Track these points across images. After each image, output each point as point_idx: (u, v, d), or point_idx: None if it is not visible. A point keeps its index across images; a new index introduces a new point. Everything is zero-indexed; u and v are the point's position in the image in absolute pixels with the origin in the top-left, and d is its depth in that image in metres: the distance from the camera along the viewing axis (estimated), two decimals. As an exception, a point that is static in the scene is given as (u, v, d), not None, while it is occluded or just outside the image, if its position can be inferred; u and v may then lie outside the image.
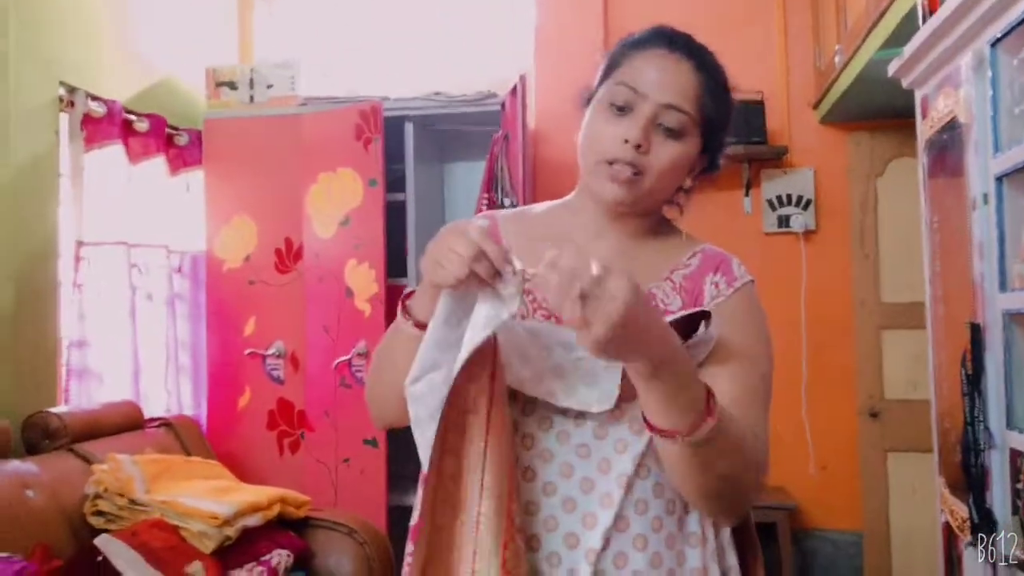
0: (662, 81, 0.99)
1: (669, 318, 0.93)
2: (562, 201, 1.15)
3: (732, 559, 1.02)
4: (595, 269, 0.75)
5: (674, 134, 1.00)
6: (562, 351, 0.94)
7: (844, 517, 3.43)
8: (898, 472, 3.36)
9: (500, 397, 0.92)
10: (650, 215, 1.09)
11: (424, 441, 0.93)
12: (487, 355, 0.91)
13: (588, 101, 1.06)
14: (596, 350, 0.76)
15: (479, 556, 0.88)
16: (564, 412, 0.96)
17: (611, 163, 0.99)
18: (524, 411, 0.98)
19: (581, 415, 0.96)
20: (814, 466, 3.45)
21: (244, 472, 3.05)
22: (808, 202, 3.51)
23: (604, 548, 0.94)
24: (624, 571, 0.94)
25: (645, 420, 0.87)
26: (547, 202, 1.17)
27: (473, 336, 0.87)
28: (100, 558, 2.04)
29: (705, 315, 0.96)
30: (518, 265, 0.85)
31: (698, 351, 0.96)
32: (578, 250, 0.77)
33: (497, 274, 0.85)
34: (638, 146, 0.98)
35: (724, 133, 1.07)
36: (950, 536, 2.05)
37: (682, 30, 1.07)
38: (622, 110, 1.00)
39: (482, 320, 0.87)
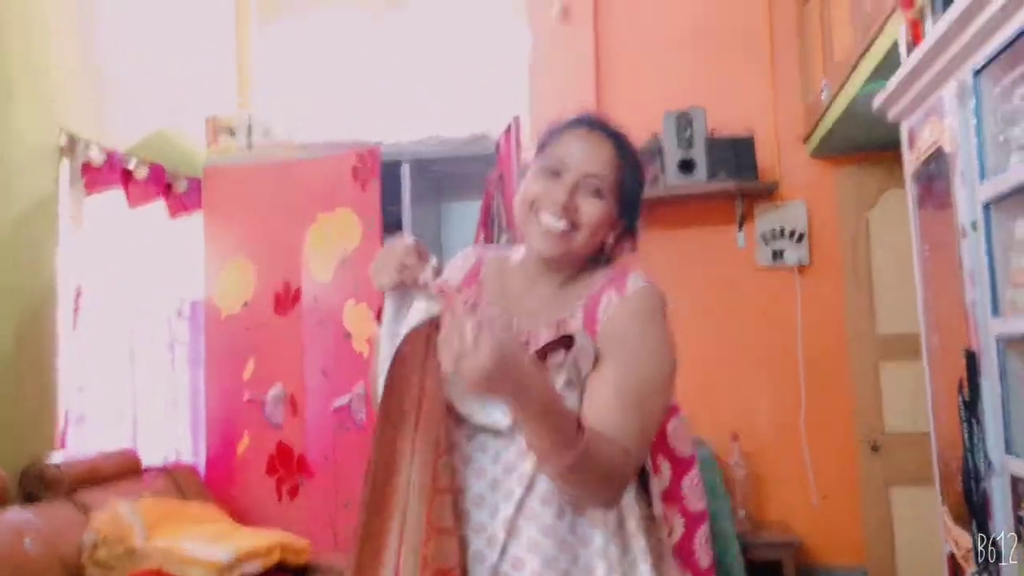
0: (585, 154, 1.18)
1: (540, 345, 1.13)
2: (518, 254, 1.31)
3: (640, 543, 1.15)
4: (469, 332, 0.95)
5: (596, 193, 1.18)
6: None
7: (848, 552, 3.39)
8: (901, 505, 3.33)
9: (430, 400, 1.08)
10: (577, 267, 1.23)
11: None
12: (418, 355, 1.08)
13: (524, 172, 1.24)
14: (471, 391, 1.01)
15: (405, 547, 1.05)
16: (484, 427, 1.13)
17: (540, 212, 1.17)
18: (456, 423, 1.14)
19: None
20: (816, 500, 3.42)
21: (243, 518, 3.02)
22: (801, 235, 3.54)
23: (508, 535, 1.09)
24: (524, 551, 1.09)
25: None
26: (514, 251, 1.34)
27: (401, 329, 1.07)
28: (98, 607, 2.02)
29: (569, 337, 1.13)
30: (429, 275, 1.07)
31: (582, 362, 1.12)
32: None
33: (418, 280, 1.07)
34: (566, 206, 1.16)
35: (638, 200, 1.24)
36: (955, 567, 2.03)
37: (601, 115, 1.27)
38: (553, 175, 1.18)
39: (413, 316, 1.07)
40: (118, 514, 2.32)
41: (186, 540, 2.30)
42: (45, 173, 2.83)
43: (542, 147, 1.23)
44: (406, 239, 1.12)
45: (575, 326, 1.16)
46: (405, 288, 1.09)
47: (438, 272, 1.09)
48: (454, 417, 1.13)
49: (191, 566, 2.18)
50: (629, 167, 1.21)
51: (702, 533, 1.29)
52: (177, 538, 2.31)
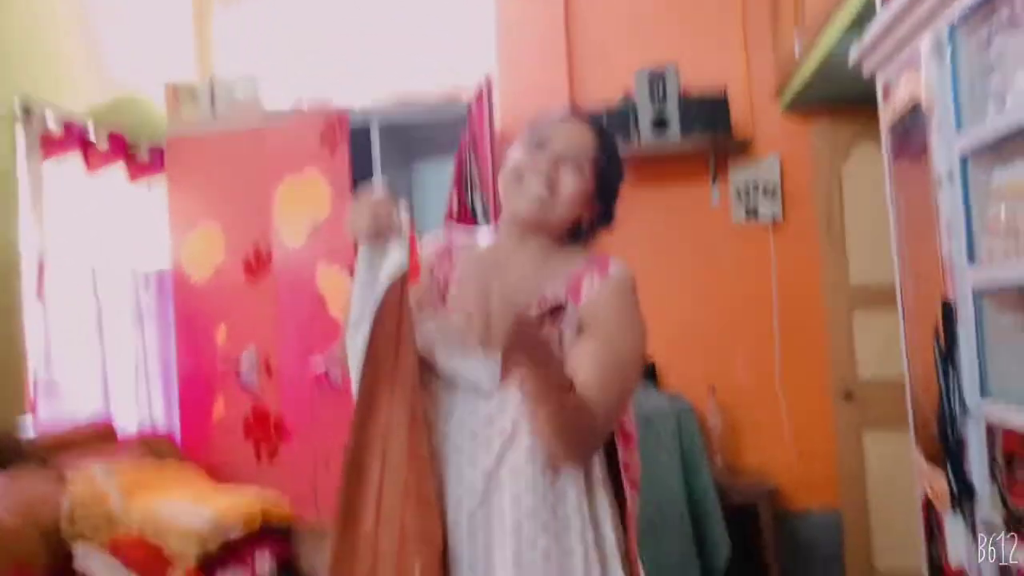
0: (569, 134, 1.29)
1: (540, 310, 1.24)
2: (492, 236, 1.41)
3: (604, 502, 1.24)
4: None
5: (577, 168, 1.28)
6: (460, 349, 1.18)
7: (822, 496, 3.48)
8: (874, 450, 3.42)
9: (406, 347, 1.14)
10: (556, 236, 1.32)
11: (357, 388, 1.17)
12: (395, 303, 1.14)
13: (509, 152, 1.33)
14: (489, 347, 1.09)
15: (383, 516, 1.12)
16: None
17: (523, 179, 1.26)
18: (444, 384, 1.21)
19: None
20: (792, 448, 3.50)
21: (222, 482, 3.00)
22: (775, 190, 3.56)
23: (489, 486, 1.17)
24: (507, 503, 1.16)
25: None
26: (487, 235, 1.45)
27: (381, 277, 1.13)
28: (79, 573, 2.00)
29: (560, 307, 1.25)
30: (404, 219, 1.14)
31: (567, 331, 1.24)
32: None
33: (393, 227, 1.14)
34: (548, 173, 1.26)
35: (616, 189, 1.34)
36: (930, 508, 2.09)
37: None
38: (537, 147, 1.28)
39: (390, 264, 1.13)
40: (94, 480, 2.29)
41: (165, 505, 2.28)
42: (2, 141, 2.73)
43: (528, 132, 1.33)
44: (378, 189, 1.19)
45: (558, 297, 1.26)
46: (380, 237, 1.14)
47: (411, 222, 1.15)
48: (434, 370, 1.20)
49: (171, 534, 2.16)
50: (610, 157, 1.31)
51: (636, 504, 1.38)
52: (156, 503, 2.28)
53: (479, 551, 1.16)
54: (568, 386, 1.15)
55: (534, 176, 1.25)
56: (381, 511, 1.12)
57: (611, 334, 1.22)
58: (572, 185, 1.26)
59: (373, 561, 1.11)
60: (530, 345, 1.09)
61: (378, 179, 3.28)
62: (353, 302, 1.17)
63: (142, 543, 2.13)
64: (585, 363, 1.19)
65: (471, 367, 1.15)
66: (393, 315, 1.14)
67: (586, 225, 1.33)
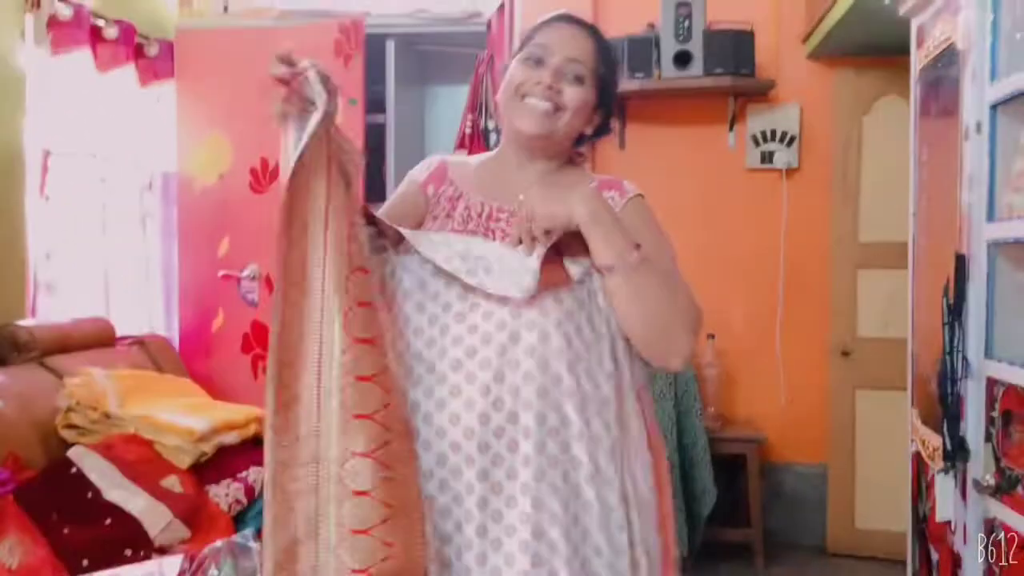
0: (566, 42, 1.25)
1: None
2: (488, 155, 1.39)
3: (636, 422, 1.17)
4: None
5: (578, 80, 1.24)
6: (490, 251, 1.13)
7: (811, 450, 3.50)
8: (865, 409, 3.43)
9: (337, 210, 1.06)
10: (559, 156, 1.31)
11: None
12: (320, 160, 1.05)
13: (507, 69, 1.28)
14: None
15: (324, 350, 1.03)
16: (488, 297, 1.12)
17: (525, 96, 1.22)
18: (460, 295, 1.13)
19: (503, 299, 1.11)
20: (784, 401, 3.51)
21: (218, 394, 3.01)
22: (792, 139, 3.48)
23: (490, 401, 1.07)
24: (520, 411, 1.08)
25: (594, 266, 1.13)
26: (479, 155, 1.42)
27: (303, 139, 1.03)
28: (74, 470, 2.02)
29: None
30: (312, 72, 1.05)
31: None
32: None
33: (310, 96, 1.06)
34: (550, 87, 1.21)
35: (614, 93, 1.32)
36: (919, 465, 2.10)
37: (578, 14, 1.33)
38: (537, 63, 1.23)
39: (311, 124, 1.04)
40: (92, 380, 2.30)
41: (161, 410, 2.30)
42: (8, 28, 2.66)
43: (523, 42, 1.29)
44: (273, 60, 1.10)
45: None
46: (298, 110, 1.07)
47: (323, 75, 1.06)
48: (429, 292, 1.13)
49: (167, 433, 2.18)
50: (607, 60, 1.28)
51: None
52: (152, 407, 2.30)
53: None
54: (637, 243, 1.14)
55: (536, 91, 1.22)
56: (321, 413, 1.02)
57: (654, 244, 1.21)
58: (575, 96, 1.24)
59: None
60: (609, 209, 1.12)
61: (390, 104, 3.21)
62: (282, 182, 1.08)
63: (137, 441, 2.15)
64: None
65: (506, 272, 1.09)
66: (319, 171, 1.05)
67: (588, 137, 1.33)
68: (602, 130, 1.34)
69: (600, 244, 1.12)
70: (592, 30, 1.29)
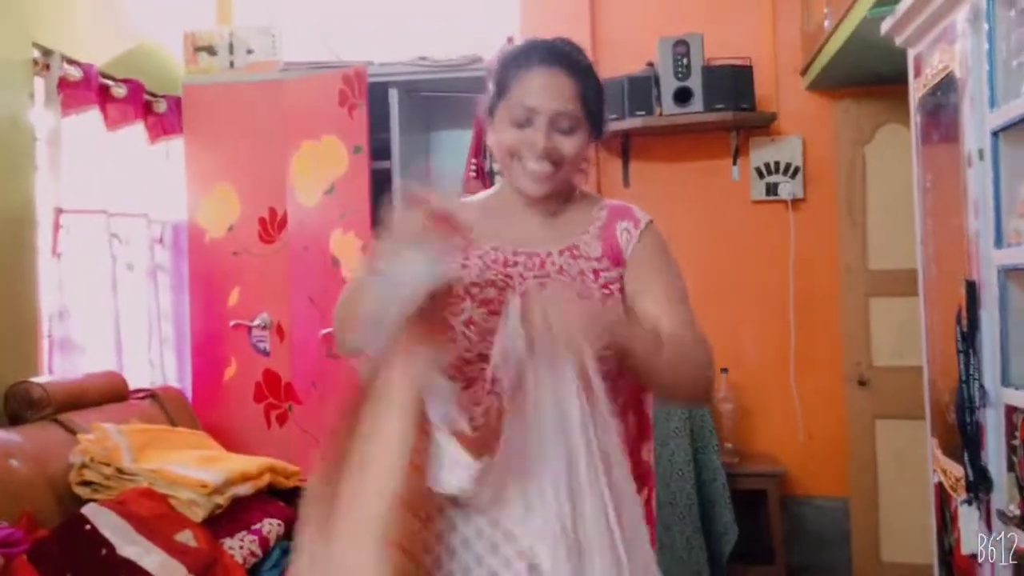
0: (548, 93, 1.23)
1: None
2: (489, 195, 1.40)
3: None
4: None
5: (571, 130, 1.24)
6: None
7: (832, 483, 3.45)
8: (886, 438, 3.38)
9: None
10: (564, 194, 1.33)
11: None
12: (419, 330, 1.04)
13: (490, 112, 1.30)
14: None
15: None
16: None
17: (522, 159, 1.23)
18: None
19: None
20: (803, 433, 3.46)
21: (231, 444, 3.00)
22: (796, 170, 3.50)
23: None
24: None
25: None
26: (476, 197, 1.42)
27: (407, 285, 1.02)
28: (88, 527, 2.01)
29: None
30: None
31: (624, 280, 1.28)
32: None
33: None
34: (545, 147, 1.22)
35: (603, 112, 1.31)
36: (943, 496, 2.06)
37: (549, 40, 1.30)
38: (526, 123, 1.23)
39: (417, 273, 1.02)
40: (106, 435, 2.30)
41: (175, 463, 2.29)
42: (18, 91, 2.72)
43: (501, 88, 1.27)
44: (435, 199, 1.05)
45: (590, 250, 1.28)
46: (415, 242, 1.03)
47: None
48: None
49: (180, 486, 2.17)
50: (590, 90, 1.27)
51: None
52: (166, 461, 2.29)
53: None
54: (647, 329, 1.20)
55: (532, 154, 1.23)
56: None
57: (670, 275, 1.28)
58: (572, 148, 1.25)
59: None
60: (617, 327, 1.11)
61: (395, 151, 3.23)
62: (370, 294, 1.05)
63: (150, 496, 2.14)
64: (661, 302, 1.25)
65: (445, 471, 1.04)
66: (417, 333, 1.04)
67: (587, 162, 1.34)
68: (597, 139, 1.33)
69: (628, 354, 1.12)
70: (569, 63, 1.26)
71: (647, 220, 1.31)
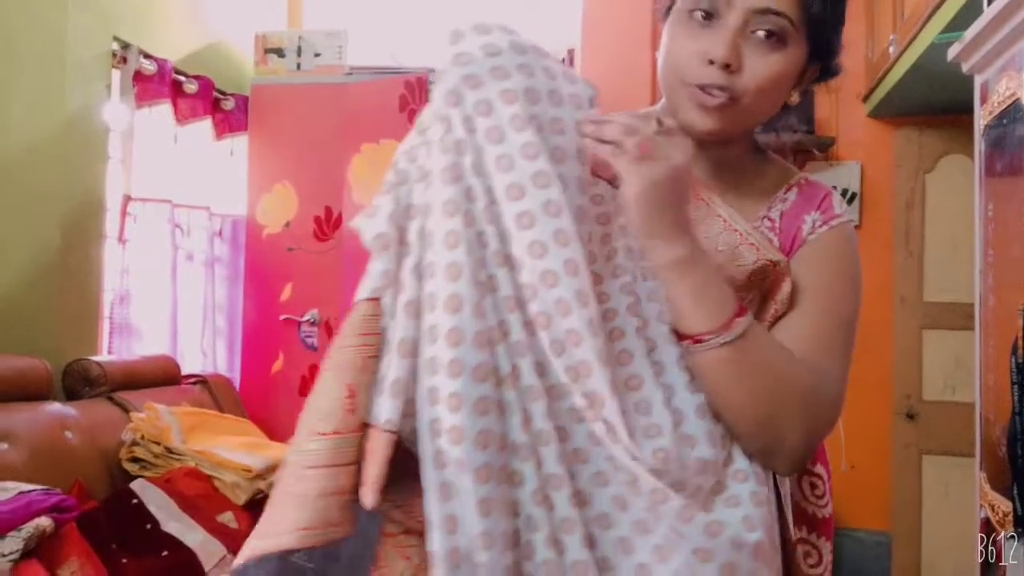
0: None
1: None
2: (645, 112, 0.94)
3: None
4: (654, 126, 0.75)
5: (771, 43, 0.82)
6: None
7: (874, 518, 3.37)
8: (932, 474, 3.30)
9: None
10: (743, 141, 0.95)
11: None
12: None
13: (667, 11, 0.90)
14: (635, 203, 0.75)
15: None
16: None
17: (699, 87, 0.84)
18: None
19: None
20: (845, 463, 3.40)
21: (275, 435, 3.06)
22: (853, 196, 3.45)
23: None
24: None
25: (676, 333, 0.80)
26: (628, 112, 0.94)
27: None
28: (135, 501, 2.07)
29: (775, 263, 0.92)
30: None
31: (777, 293, 0.93)
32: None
33: None
34: (727, 65, 0.82)
35: (838, 28, 0.88)
36: (989, 531, 2.01)
37: None
38: (707, 17, 0.83)
39: None
40: (157, 415, 2.37)
41: (221, 447, 2.35)
42: (97, 81, 2.84)
43: None
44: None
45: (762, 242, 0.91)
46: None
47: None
48: None
49: (225, 469, 2.23)
50: None
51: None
52: (213, 444, 2.35)
53: None
54: (728, 287, 0.82)
55: (704, 77, 0.83)
56: None
57: (831, 292, 0.92)
58: (770, 71, 0.83)
59: None
60: (684, 211, 0.78)
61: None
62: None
63: (196, 476, 2.20)
64: (798, 322, 0.89)
65: None
66: None
67: (793, 105, 0.94)
68: (823, 78, 0.93)
69: (689, 298, 0.78)
70: None
71: (844, 219, 0.95)
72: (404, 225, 0.83)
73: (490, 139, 0.78)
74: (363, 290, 0.82)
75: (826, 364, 0.89)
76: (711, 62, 0.82)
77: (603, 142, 0.76)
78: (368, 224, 0.83)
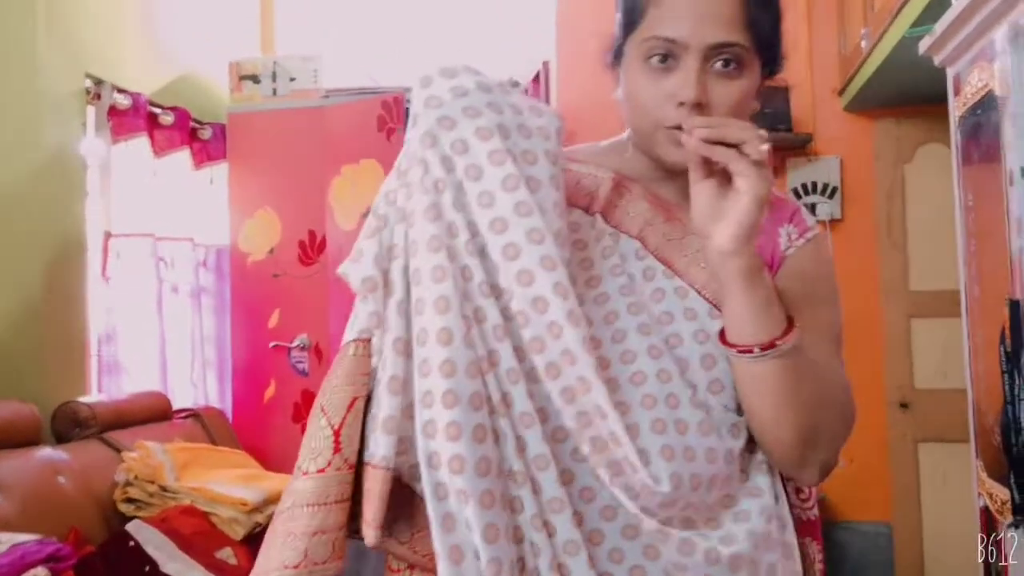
0: (699, 15, 0.83)
1: None
2: (610, 143, 1.00)
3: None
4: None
5: (731, 71, 0.85)
6: None
7: (874, 508, 3.38)
8: (929, 462, 3.31)
9: None
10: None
11: None
12: None
13: (616, 55, 0.93)
14: (755, 205, 0.78)
15: None
16: None
17: (675, 128, 0.85)
18: None
19: None
20: (843, 458, 3.40)
21: (271, 464, 3.04)
22: (834, 190, 3.47)
23: None
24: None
25: (734, 346, 0.83)
26: (592, 144, 1.03)
27: None
28: (132, 543, 2.05)
29: None
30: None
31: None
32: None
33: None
34: (697, 104, 0.83)
35: (779, 36, 0.92)
36: (989, 520, 2.01)
37: None
38: (663, 60, 0.85)
39: None
40: (149, 454, 2.35)
41: (216, 482, 2.33)
42: (71, 119, 2.82)
43: (631, 15, 0.89)
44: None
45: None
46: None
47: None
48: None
49: (221, 505, 2.21)
50: (761, 7, 0.87)
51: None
52: (207, 479, 2.33)
53: None
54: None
55: (679, 116, 0.84)
56: None
57: (822, 303, 0.96)
58: (732, 96, 0.85)
59: None
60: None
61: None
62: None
63: (192, 513, 2.18)
64: (813, 340, 0.90)
65: None
66: None
67: (754, 113, 0.95)
68: (771, 76, 0.95)
69: (754, 309, 0.81)
70: None
71: (816, 230, 0.98)
72: (387, 267, 0.85)
73: (469, 176, 0.82)
74: (351, 331, 0.84)
75: (840, 374, 0.94)
76: (681, 103, 0.85)
77: (727, 145, 0.78)
78: (354, 269, 0.87)
